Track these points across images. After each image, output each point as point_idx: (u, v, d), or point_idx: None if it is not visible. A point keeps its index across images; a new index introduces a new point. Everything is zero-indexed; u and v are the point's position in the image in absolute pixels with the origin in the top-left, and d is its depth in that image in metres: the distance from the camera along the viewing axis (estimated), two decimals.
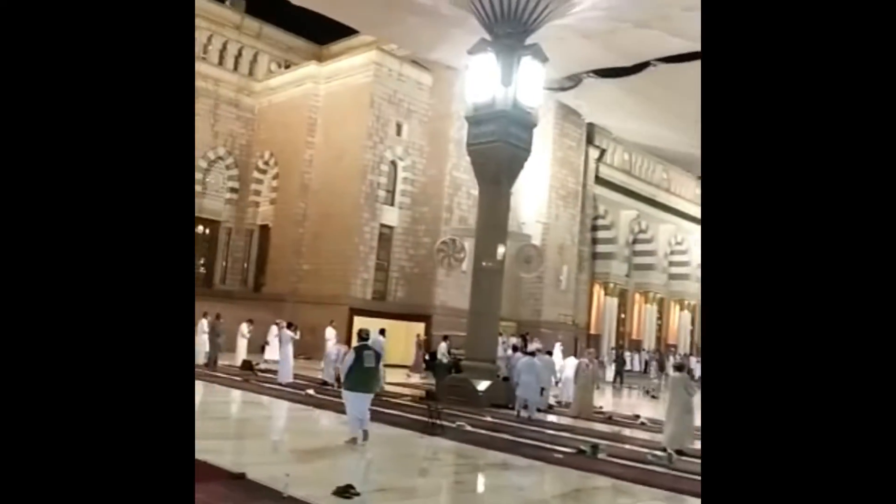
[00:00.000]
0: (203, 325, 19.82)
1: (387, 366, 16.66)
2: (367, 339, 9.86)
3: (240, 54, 34.92)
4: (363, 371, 9.40)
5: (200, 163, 32.02)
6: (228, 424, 11.51)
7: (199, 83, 31.75)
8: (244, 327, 20.89)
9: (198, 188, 31.94)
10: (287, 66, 34.85)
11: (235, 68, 34.49)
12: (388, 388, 16.37)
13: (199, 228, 32.80)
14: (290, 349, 17.14)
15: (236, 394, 14.64)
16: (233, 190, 33.40)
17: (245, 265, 33.35)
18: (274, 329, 17.31)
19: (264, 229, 32.84)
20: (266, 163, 32.96)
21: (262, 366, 19.46)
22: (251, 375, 17.63)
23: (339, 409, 12.91)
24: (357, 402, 9.38)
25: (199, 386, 15.27)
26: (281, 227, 31.50)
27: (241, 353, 20.45)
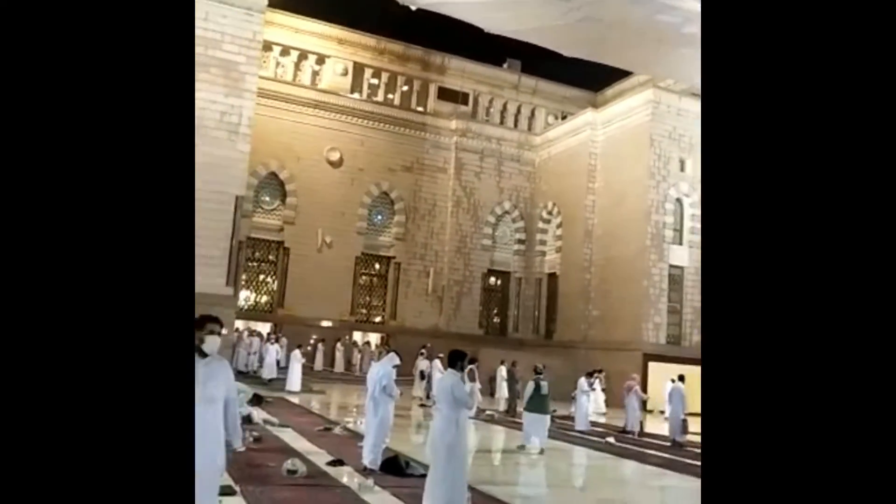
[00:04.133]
0: (502, 372, 20.69)
1: (689, 415, 15.79)
2: (541, 372, 12.96)
3: (518, 112, 36.78)
4: (540, 397, 12.41)
5: (489, 218, 34.03)
6: (532, 471, 11.79)
7: (483, 144, 34.05)
8: None
9: (488, 242, 33.93)
10: (563, 117, 35.79)
11: (515, 125, 36.35)
12: (690, 437, 15.47)
13: (492, 280, 34.64)
14: (584, 397, 17.19)
15: (535, 440, 14.92)
16: (520, 241, 34.82)
17: (536, 313, 34.30)
18: (582, 381, 17.55)
19: (552, 277, 33.58)
20: (549, 212, 33.90)
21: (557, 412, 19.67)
22: (549, 423, 17.90)
23: (643, 459, 12.52)
24: (535, 422, 12.32)
25: (500, 431, 15.91)
26: (567, 274, 31.95)
27: None
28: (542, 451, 12.21)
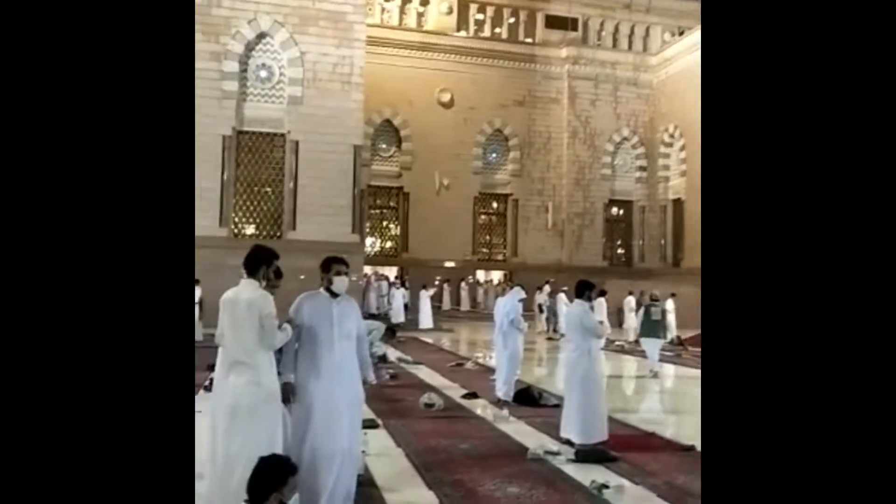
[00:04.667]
0: (630, 303, 20.41)
1: None
2: (656, 299, 14.16)
3: (632, 32, 34.97)
4: (651, 322, 13.38)
5: (607, 146, 32.97)
6: (667, 398, 11.65)
7: (597, 70, 32.76)
8: (670, 303, 20.83)
9: (607, 171, 32.98)
10: (681, 33, 33.68)
11: (629, 47, 34.64)
12: None
13: (614, 210, 33.80)
14: None
15: (669, 368, 14.71)
16: (641, 168, 33.61)
17: (662, 241, 33.26)
18: None
19: (677, 203, 32.31)
20: (671, 136, 32.40)
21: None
22: (682, 350, 17.56)
23: None
24: (649, 345, 13.39)
25: (631, 361, 15.77)
26: (694, 198, 30.59)
27: (671, 328, 20.44)
28: (654, 374, 13.07)
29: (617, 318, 21.63)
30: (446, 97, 31.46)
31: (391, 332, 14.29)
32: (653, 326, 13.48)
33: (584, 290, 7.22)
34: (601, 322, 8.05)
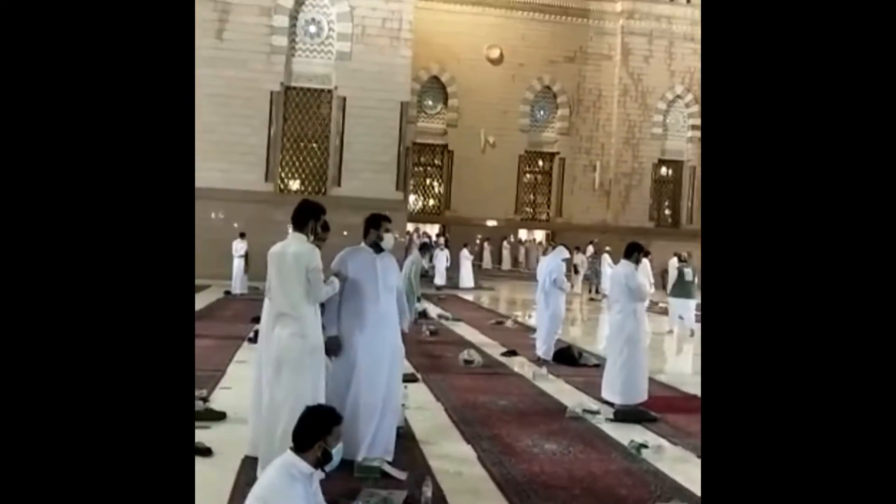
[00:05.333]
0: (675, 264, 20.15)
1: None
2: (685, 260, 13.94)
3: None
4: (683, 283, 13.36)
5: (659, 105, 32.11)
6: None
7: (652, 25, 31.77)
8: None
9: (658, 130, 32.17)
10: None
11: (688, 1, 33.42)
12: None
13: (663, 170, 33.08)
14: None
15: (685, 322, 14.53)
16: (694, 127, 32.71)
17: None
18: None
19: None
20: None
21: None
22: None
23: None
24: (679, 305, 13.41)
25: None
26: None
27: None
28: (692, 335, 12.88)
29: (662, 279, 21.41)
30: (495, 53, 30.96)
31: (425, 247, 14.39)
32: (684, 287, 13.47)
33: (632, 252, 7.18)
34: (646, 283, 8.00)
